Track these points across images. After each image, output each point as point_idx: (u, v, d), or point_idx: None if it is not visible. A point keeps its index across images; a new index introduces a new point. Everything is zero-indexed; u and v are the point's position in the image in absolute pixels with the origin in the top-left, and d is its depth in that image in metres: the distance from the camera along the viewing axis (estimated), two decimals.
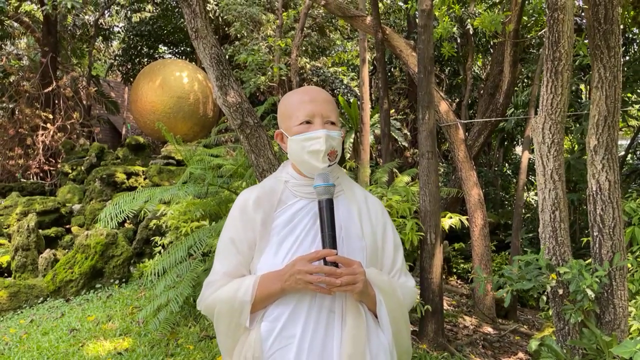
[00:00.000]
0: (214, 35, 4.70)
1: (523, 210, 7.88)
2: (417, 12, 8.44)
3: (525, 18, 7.47)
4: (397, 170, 8.06)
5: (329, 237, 1.24)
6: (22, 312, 4.85)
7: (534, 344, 3.11)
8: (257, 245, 1.33)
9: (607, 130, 3.01)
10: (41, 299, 5.09)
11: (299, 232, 1.32)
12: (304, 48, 10.73)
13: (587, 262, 3.04)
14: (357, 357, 1.22)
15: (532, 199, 12.67)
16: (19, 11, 12.15)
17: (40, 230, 6.38)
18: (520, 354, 4.59)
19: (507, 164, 12.91)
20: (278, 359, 1.23)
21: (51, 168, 10.55)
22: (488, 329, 5.22)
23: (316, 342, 1.24)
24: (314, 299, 1.27)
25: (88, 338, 3.65)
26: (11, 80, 11.21)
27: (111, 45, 16.16)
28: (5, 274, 6.25)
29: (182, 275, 3.61)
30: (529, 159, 7.14)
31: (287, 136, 1.38)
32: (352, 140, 10.05)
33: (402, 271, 1.43)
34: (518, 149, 14.03)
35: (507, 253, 8.64)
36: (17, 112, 10.83)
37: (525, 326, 5.76)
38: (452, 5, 7.64)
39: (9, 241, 6.76)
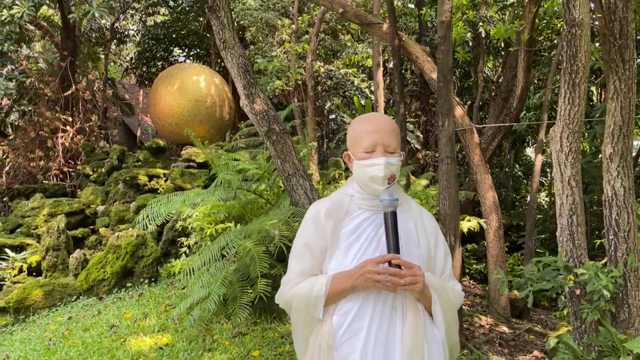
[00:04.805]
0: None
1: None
2: (429, 17, 8.54)
3: (536, 21, 7.61)
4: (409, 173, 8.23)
5: (394, 243, 1.45)
6: (57, 310, 5.08)
7: (552, 342, 3.29)
8: (328, 249, 1.55)
9: (622, 139, 3.18)
10: (74, 297, 5.32)
11: (364, 240, 1.53)
12: (317, 52, 10.91)
13: (601, 262, 3.21)
14: (416, 349, 1.43)
15: (543, 200, 12.80)
16: (37, 16, 12.42)
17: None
18: (536, 352, 4.76)
19: (517, 165, 13.03)
20: (347, 348, 1.45)
21: (70, 170, 10.80)
22: (503, 328, 5.39)
23: (381, 334, 1.45)
24: (379, 296, 1.48)
25: (128, 334, 3.88)
26: (28, 83, 11.44)
27: (126, 48, 16.43)
28: (34, 273, 6.49)
29: (216, 275, 3.82)
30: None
31: (354, 159, 1.59)
32: None
33: (451, 276, 1.63)
34: (528, 150, 14.15)
35: (519, 254, 8.79)
36: (35, 115, 11.06)
37: (539, 325, 5.92)
38: (466, 11, 7.81)
39: (37, 241, 7.01)
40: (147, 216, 3.85)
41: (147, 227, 3.69)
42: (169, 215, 3.93)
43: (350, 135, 1.62)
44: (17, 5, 6.76)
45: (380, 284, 1.42)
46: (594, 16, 4.22)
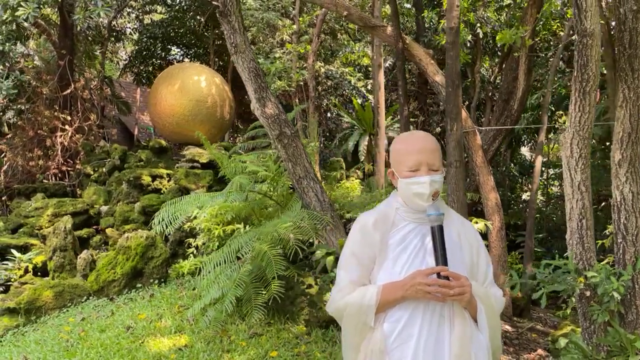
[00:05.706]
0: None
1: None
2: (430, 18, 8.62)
3: None
4: None
5: (441, 256, 1.54)
6: (67, 311, 5.12)
7: (562, 342, 3.40)
8: (376, 259, 1.63)
9: (630, 146, 3.28)
10: (85, 298, 5.37)
11: (411, 251, 1.62)
12: (318, 52, 10.98)
13: (603, 263, 3.32)
14: (464, 355, 1.53)
15: (539, 199, 12.97)
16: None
17: None
18: (540, 350, 4.87)
19: (512, 164, 13.19)
20: (398, 353, 1.54)
21: (69, 169, 10.79)
22: (506, 327, 5.50)
23: (430, 341, 1.54)
24: (428, 305, 1.57)
25: (145, 335, 3.94)
26: (26, 81, 11.36)
27: (124, 47, 16.38)
28: (39, 274, 6.51)
29: (232, 276, 3.89)
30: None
31: (398, 177, 1.67)
32: (366, 143, 10.33)
33: (492, 283, 1.73)
34: (523, 149, 14.33)
35: (517, 253, 8.93)
36: (33, 114, 11.00)
37: (540, 324, 6.06)
38: (467, 14, 7.92)
39: (42, 242, 7.02)
40: (163, 220, 3.91)
41: (165, 229, 3.75)
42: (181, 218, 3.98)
43: (394, 155, 1.71)
44: (22, 7, 6.76)
45: (431, 294, 1.52)
46: None
